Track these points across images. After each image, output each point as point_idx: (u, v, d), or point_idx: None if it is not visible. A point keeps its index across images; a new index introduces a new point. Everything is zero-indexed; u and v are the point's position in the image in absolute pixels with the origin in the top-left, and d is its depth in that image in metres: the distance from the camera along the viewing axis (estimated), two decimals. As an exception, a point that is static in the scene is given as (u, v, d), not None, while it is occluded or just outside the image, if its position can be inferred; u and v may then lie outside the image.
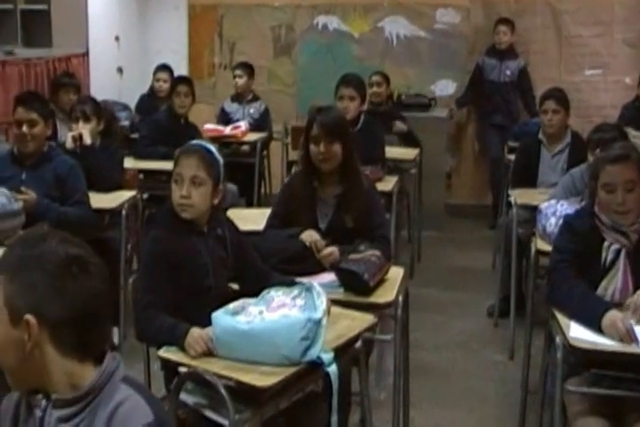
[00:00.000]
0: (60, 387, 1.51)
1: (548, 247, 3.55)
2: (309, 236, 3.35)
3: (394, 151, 5.63)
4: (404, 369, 3.64)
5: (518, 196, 4.75)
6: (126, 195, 4.63)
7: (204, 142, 3.01)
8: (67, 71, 6.37)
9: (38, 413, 1.54)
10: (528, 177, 5.04)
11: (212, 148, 2.97)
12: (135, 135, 6.24)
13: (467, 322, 5.07)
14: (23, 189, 3.99)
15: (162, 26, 8.06)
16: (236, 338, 2.46)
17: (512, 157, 5.56)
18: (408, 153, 5.87)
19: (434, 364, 4.49)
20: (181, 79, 6.26)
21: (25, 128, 4.13)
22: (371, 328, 2.91)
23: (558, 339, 2.86)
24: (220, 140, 6.22)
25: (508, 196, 4.97)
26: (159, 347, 2.64)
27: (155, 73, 7.05)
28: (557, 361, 2.85)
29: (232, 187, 6.04)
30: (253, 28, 7.90)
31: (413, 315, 4.92)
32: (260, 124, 6.67)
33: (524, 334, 3.94)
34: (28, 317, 1.46)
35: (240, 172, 6.15)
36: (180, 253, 2.83)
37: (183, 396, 2.53)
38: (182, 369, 2.50)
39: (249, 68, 6.79)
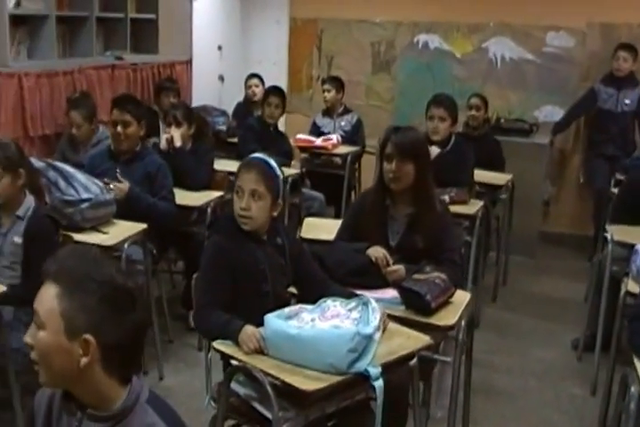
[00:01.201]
0: (94, 401, 1.70)
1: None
2: (376, 251, 3.49)
3: (484, 175, 5.68)
4: (466, 391, 3.72)
5: (616, 232, 4.58)
6: (213, 195, 4.97)
7: (265, 156, 3.14)
8: (170, 76, 6.81)
9: (74, 421, 1.73)
10: (631, 213, 4.75)
11: (273, 162, 3.10)
12: (233, 139, 6.60)
13: (547, 352, 5.05)
14: (119, 177, 4.39)
15: (263, 37, 8.36)
16: (284, 341, 2.63)
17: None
18: (499, 178, 5.89)
19: (506, 389, 4.52)
20: (274, 89, 6.54)
21: (119, 128, 4.51)
22: (426, 349, 2.99)
23: (634, 388, 2.87)
24: (310, 151, 6.47)
25: (605, 230, 4.83)
26: (214, 339, 2.84)
27: (246, 81, 7.45)
28: (630, 411, 2.88)
29: (319, 195, 6.27)
30: (353, 43, 8.09)
31: (491, 337, 5.04)
32: (351, 136, 6.84)
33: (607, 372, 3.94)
34: (89, 337, 1.63)
35: (330, 182, 6.40)
36: (238, 258, 3.01)
37: (235, 386, 2.77)
38: (234, 362, 2.71)
39: (338, 82, 6.97)
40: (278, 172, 3.09)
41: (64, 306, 1.63)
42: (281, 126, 6.91)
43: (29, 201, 3.65)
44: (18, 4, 5.49)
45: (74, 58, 6.11)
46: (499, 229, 6.11)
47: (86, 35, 6.20)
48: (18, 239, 3.59)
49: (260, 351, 2.70)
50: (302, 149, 6.63)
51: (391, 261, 3.47)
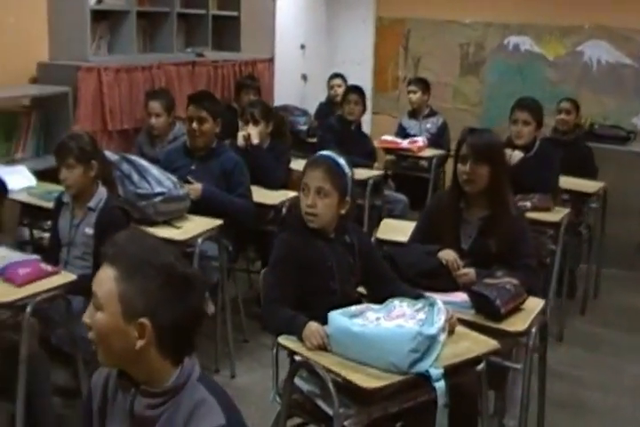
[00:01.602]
0: (148, 379, 1.80)
1: None
2: (447, 254, 3.52)
3: (572, 182, 5.60)
4: (540, 402, 3.69)
5: None
6: (289, 194, 5.02)
7: (333, 154, 3.18)
8: (250, 74, 6.94)
9: (129, 396, 1.83)
10: None
11: (341, 159, 3.14)
12: (313, 140, 6.69)
13: (641, 368, 4.90)
14: (190, 178, 4.49)
15: (348, 37, 8.45)
16: (347, 338, 2.69)
17: None
18: (589, 186, 5.79)
19: (595, 405, 4.43)
20: (353, 88, 6.60)
21: (195, 124, 4.62)
22: (495, 354, 3.01)
23: None
24: (395, 153, 6.53)
25: None
26: (280, 335, 2.93)
27: (329, 81, 7.58)
28: None
29: (403, 198, 6.30)
30: (441, 44, 8.11)
31: (577, 351, 5.00)
32: (437, 138, 6.85)
33: None
34: (145, 320, 1.72)
35: (415, 185, 6.41)
36: (306, 255, 3.08)
37: (299, 382, 2.87)
38: (297, 358, 2.81)
39: (424, 84, 6.99)
40: (346, 169, 3.13)
41: (122, 289, 1.73)
42: (366, 127, 6.98)
43: (102, 193, 3.79)
44: (99, 0, 5.72)
45: (154, 53, 6.33)
46: (590, 240, 6.00)
47: (167, 31, 6.41)
48: (89, 230, 3.74)
49: (323, 348, 2.76)
50: (387, 151, 6.68)
51: (461, 265, 3.49)
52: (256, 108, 5.34)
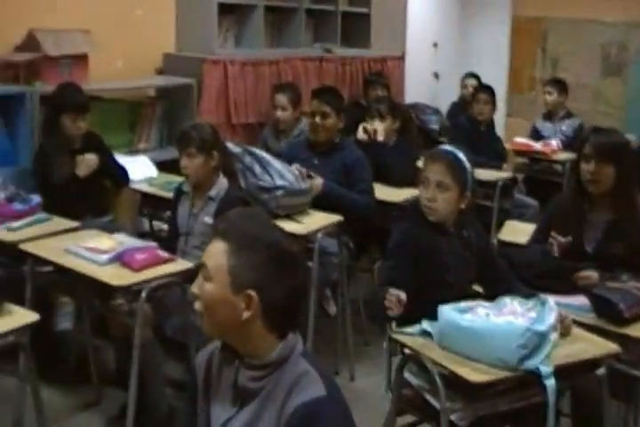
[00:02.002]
0: (252, 352, 1.89)
1: None
2: (590, 276, 3.43)
3: None
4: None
5: None
6: (414, 192, 4.85)
7: (453, 149, 3.23)
8: (379, 70, 7.00)
9: (233, 369, 1.92)
10: None
11: (461, 154, 3.19)
12: (443, 139, 6.63)
13: None
14: (312, 174, 4.54)
15: (482, 35, 8.41)
16: (456, 332, 2.73)
17: None
18: None
19: None
20: (484, 87, 6.57)
21: (317, 119, 4.67)
22: (618, 360, 2.94)
23: None
24: (527, 156, 6.44)
25: None
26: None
27: (462, 80, 7.56)
28: None
29: (534, 203, 6.17)
30: (580, 44, 7.95)
31: None
32: (572, 141, 6.67)
33: None
34: (252, 293, 1.82)
35: (548, 190, 6.23)
36: (423, 246, 3.12)
37: (409, 376, 2.92)
38: (406, 351, 2.86)
39: (560, 85, 6.86)
40: (467, 165, 3.18)
41: (232, 263, 1.83)
42: (499, 129, 6.88)
43: (222, 183, 3.89)
44: None
45: (281, 48, 6.48)
46: None
47: (295, 26, 6.55)
48: (209, 219, 3.83)
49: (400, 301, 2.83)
50: (519, 153, 6.57)
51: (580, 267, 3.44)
52: (383, 103, 5.36)
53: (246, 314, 1.82)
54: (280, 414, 1.83)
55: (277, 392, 1.85)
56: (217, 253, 1.84)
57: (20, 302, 3.01)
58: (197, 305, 1.88)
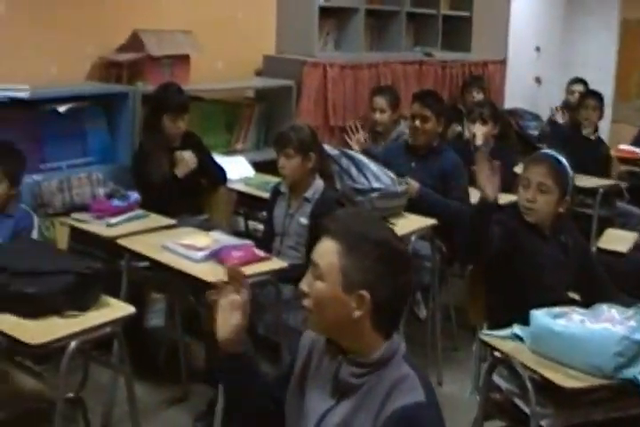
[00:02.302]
0: (356, 349, 1.92)
1: None
2: None
3: None
4: None
5: None
6: (511, 198, 4.83)
7: (554, 153, 3.31)
8: (479, 74, 6.99)
9: (335, 362, 1.96)
10: None
11: (563, 159, 3.25)
12: (542, 145, 6.53)
13: None
14: (408, 179, 4.55)
15: (587, 40, 8.25)
16: (548, 337, 2.71)
17: None
18: None
19: None
20: (592, 93, 6.47)
21: (417, 122, 4.69)
22: None
23: None
24: (632, 163, 6.35)
25: None
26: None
27: (569, 86, 7.42)
28: None
29: (638, 212, 6.02)
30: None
31: None
32: (682, 150, 6.51)
33: None
34: (364, 293, 1.85)
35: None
36: (520, 243, 3.17)
37: (498, 380, 2.91)
38: (496, 354, 2.85)
39: None
40: (568, 169, 3.24)
41: (344, 262, 1.87)
42: (604, 136, 6.76)
43: (318, 184, 3.93)
44: None
45: (380, 51, 6.52)
46: None
47: (395, 29, 6.58)
48: (304, 220, 3.88)
49: None
50: (623, 161, 6.44)
51: None
52: (485, 107, 5.34)
53: (357, 313, 1.86)
54: (377, 415, 1.85)
55: (377, 392, 1.87)
56: (328, 253, 1.88)
57: (115, 296, 3.08)
58: (306, 302, 1.92)
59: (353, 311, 1.86)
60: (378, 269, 1.85)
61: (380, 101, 5.52)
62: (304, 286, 1.92)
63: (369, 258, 1.85)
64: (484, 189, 3.11)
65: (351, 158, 4.44)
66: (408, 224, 4.28)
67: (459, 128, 5.73)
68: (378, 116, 5.52)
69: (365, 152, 5.01)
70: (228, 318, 2.02)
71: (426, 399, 1.84)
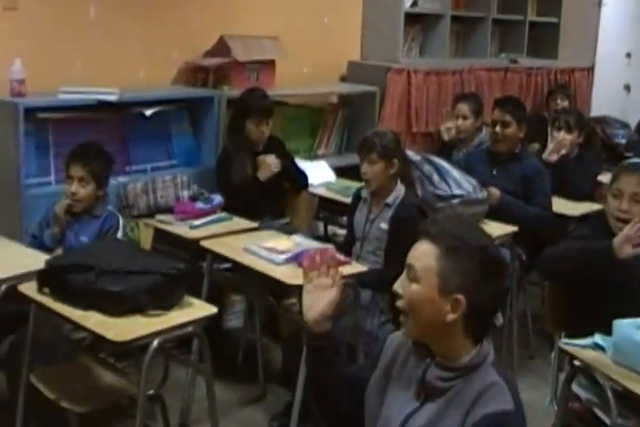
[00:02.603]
0: (446, 353, 1.93)
1: None
2: None
3: None
4: None
5: None
6: (593, 207, 4.85)
7: None
8: (564, 82, 6.91)
9: (422, 364, 1.96)
10: None
11: None
12: (630, 154, 6.43)
13: None
14: (489, 186, 4.55)
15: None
16: (631, 348, 2.66)
17: None
18: None
19: None
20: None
21: (498, 128, 4.74)
22: None
23: None
24: None
25: None
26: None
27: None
28: None
29: None
30: None
31: None
32: None
33: None
34: (460, 297, 1.87)
35: None
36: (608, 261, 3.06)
37: (577, 389, 2.89)
38: (576, 363, 2.81)
39: None
40: None
41: (441, 266, 1.88)
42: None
43: (399, 190, 3.94)
44: (414, 4, 6.02)
45: (465, 58, 6.52)
46: None
47: (481, 36, 6.58)
48: (384, 225, 3.89)
49: None
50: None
51: None
52: (571, 115, 5.29)
53: (451, 316, 1.87)
54: (464, 420, 1.86)
55: (464, 397, 1.88)
56: (426, 256, 1.89)
57: (196, 297, 3.13)
58: (400, 303, 1.94)
59: (447, 315, 1.87)
60: (475, 275, 1.86)
61: (463, 108, 5.50)
62: (398, 287, 1.94)
63: (467, 263, 1.86)
64: (619, 246, 2.99)
65: (434, 164, 4.43)
66: (488, 231, 4.23)
67: (537, 146, 5.67)
68: (460, 122, 5.50)
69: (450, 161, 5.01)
70: (314, 300, 2.10)
71: (514, 408, 1.85)
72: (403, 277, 1.94)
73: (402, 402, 1.99)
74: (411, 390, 1.97)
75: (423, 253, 1.90)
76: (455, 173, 4.42)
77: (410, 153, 4.39)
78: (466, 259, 1.86)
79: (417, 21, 6.13)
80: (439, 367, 1.92)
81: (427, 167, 4.40)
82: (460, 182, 4.36)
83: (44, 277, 2.94)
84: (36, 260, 3.16)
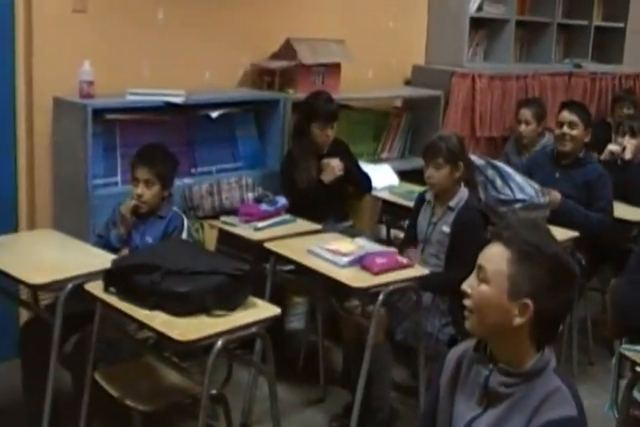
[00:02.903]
0: (508, 358, 1.91)
1: None
2: None
3: None
4: None
5: None
6: None
7: None
8: (630, 87, 6.78)
9: (484, 371, 1.95)
10: None
11: None
12: None
13: None
14: (550, 190, 4.48)
15: None
16: None
17: None
18: None
19: None
20: None
21: (565, 128, 4.69)
22: None
23: None
24: None
25: None
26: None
27: None
28: None
29: None
30: None
31: None
32: None
33: None
34: (528, 302, 1.85)
35: None
36: None
37: (638, 396, 2.85)
38: (638, 369, 2.79)
39: None
40: None
41: (512, 271, 1.87)
42: None
43: (463, 193, 3.90)
44: (480, 8, 5.96)
45: (530, 63, 6.44)
46: None
47: (546, 41, 6.51)
48: (446, 229, 3.86)
49: None
50: None
51: None
52: (635, 121, 5.18)
53: (518, 320, 1.86)
54: (526, 425, 1.84)
55: (527, 403, 1.86)
56: (498, 258, 1.89)
57: (258, 298, 3.12)
58: (468, 302, 1.93)
59: (514, 318, 1.86)
60: (545, 281, 1.85)
61: (526, 113, 5.45)
62: (467, 286, 1.94)
63: (539, 269, 1.85)
64: None
65: (497, 169, 4.39)
66: (552, 238, 4.19)
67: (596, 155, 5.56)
68: (523, 128, 5.46)
69: (509, 164, 4.94)
70: None
71: (578, 414, 1.83)
72: (472, 276, 1.94)
73: (466, 409, 1.98)
74: (474, 398, 1.97)
75: (495, 256, 1.89)
76: (518, 177, 4.38)
77: (473, 157, 4.35)
78: (537, 265, 1.85)
79: (482, 26, 6.06)
80: (502, 373, 1.91)
81: (490, 172, 4.37)
82: (522, 187, 4.32)
83: (111, 277, 2.94)
84: (103, 259, 3.17)
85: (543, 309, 1.85)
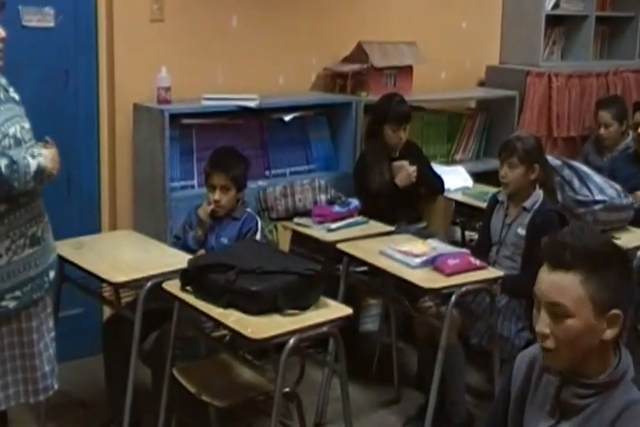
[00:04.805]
0: (583, 370, 1.85)
1: None
2: None
3: None
4: None
5: None
6: None
7: None
8: None
9: (556, 382, 1.89)
10: None
11: None
12: None
13: None
14: (636, 192, 4.55)
15: None
16: None
17: None
18: None
19: None
20: None
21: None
22: None
23: None
24: None
25: None
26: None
27: None
28: None
29: None
30: None
31: None
32: None
33: None
34: (617, 311, 1.80)
35: None
36: None
37: None
38: None
39: None
40: None
41: (591, 289, 1.78)
42: None
43: (538, 195, 3.94)
44: (556, 5, 5.98)
45: (610, 60, 6.41)
46: None
47: (628, 36, 6.46)
48: (521, 231, 3.90)
49: None
50: None
51: None
52: None
53: (609, 333, 1.81)
54: None
55: (603, 415, 1.82)
56: (570, 288, 1.79)
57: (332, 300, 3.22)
58: (549, 343, 1.82)
59: (604, 332, 1.80)
60: (618, 283, 1.80)
61: (605, 116, 5.43)
62: (543, 328, 1.82)
63: (611, 275, 1.79)
64: None
65: (574, 169, 4.42)
66: (633, 238, 4.21)
67: None
68: (603, 131, 5.44)
69: (588, 164, 4.96)
70: None
71: None
72: (544, 316, 1.82)
73: (537, 420, 1.94)
74: (545, 408, 1.93)
75: (565, 287, 1.79)
76: (597, 178, 4.40)
77: (549, 157, 4.38)
78: (609, 272, 1.79)
79: (559, 23, 6.09)
80: (575, 384, 1.85)
81: (567, 172, 4.40)
82: (603, 188, 4.34)
83: (187, 276, 3.09)
84: (180, 259, 3.33)
85: (626, 311, 1.81)
